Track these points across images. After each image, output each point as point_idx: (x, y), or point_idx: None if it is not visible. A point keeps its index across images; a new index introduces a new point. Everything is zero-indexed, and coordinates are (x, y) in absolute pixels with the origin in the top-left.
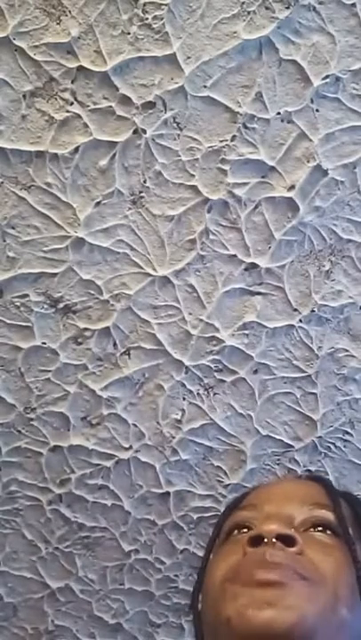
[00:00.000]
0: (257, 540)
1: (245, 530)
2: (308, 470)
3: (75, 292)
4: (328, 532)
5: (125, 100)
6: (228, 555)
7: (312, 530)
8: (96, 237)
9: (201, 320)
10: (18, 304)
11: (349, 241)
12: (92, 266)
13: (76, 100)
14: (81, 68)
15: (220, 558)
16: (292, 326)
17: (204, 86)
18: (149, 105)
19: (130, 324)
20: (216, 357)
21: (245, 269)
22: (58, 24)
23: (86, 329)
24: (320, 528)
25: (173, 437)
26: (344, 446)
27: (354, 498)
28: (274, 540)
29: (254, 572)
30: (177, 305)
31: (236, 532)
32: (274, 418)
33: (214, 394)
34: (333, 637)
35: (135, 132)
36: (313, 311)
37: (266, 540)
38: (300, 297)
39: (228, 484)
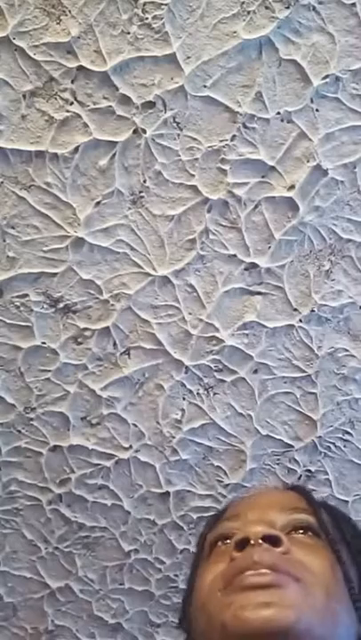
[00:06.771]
0: (243, 543)
1: (229, 541)
2: (308, 470)
3: (75, 292)
4: (310, 533)
5: (125, 100)
6: (215, 565)
7: (294, 532)
8: (96, 237)
9: (201, 320)
10: (18, 304)
11: (349, 241)
12: (92, 266)
13: (75, 99)
14: (81, 68)
15: (207, 570)
16: (292, 326)
17: (204, 86)
18: (149, 105)
19: (130, 324)
20: (216, 357)
21: (245, 269)
22: (58, 24)
23: (86, 329)
24: (302, 531)
25: (173, 437)
26: (344, 446)
27: (331, 505)
28: (260, 541)
29: (245, 577)
30: (177, 305)
31: (220, 543)
32: (274, 418)
33: (214, 394)
34: (328, 633)
35: (135, 131)
36: (313, 311)
37: (252, 542)
38: (300, 297)
39: (228, 484)
